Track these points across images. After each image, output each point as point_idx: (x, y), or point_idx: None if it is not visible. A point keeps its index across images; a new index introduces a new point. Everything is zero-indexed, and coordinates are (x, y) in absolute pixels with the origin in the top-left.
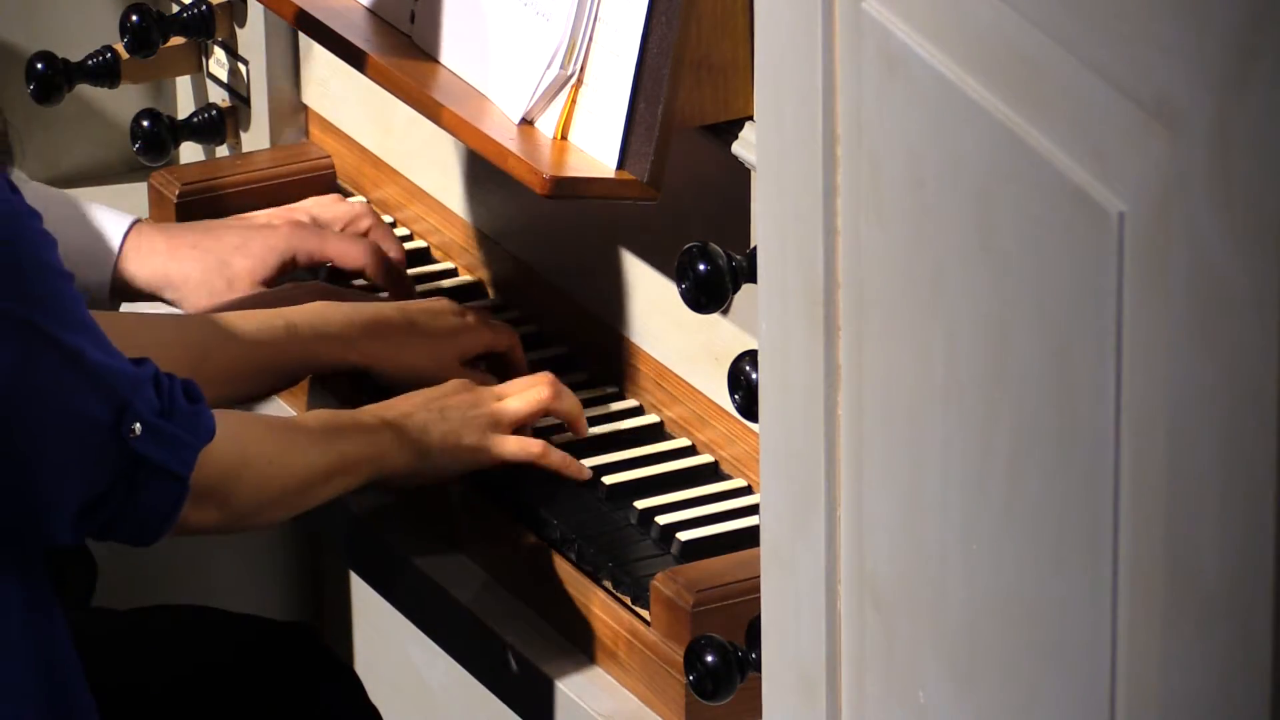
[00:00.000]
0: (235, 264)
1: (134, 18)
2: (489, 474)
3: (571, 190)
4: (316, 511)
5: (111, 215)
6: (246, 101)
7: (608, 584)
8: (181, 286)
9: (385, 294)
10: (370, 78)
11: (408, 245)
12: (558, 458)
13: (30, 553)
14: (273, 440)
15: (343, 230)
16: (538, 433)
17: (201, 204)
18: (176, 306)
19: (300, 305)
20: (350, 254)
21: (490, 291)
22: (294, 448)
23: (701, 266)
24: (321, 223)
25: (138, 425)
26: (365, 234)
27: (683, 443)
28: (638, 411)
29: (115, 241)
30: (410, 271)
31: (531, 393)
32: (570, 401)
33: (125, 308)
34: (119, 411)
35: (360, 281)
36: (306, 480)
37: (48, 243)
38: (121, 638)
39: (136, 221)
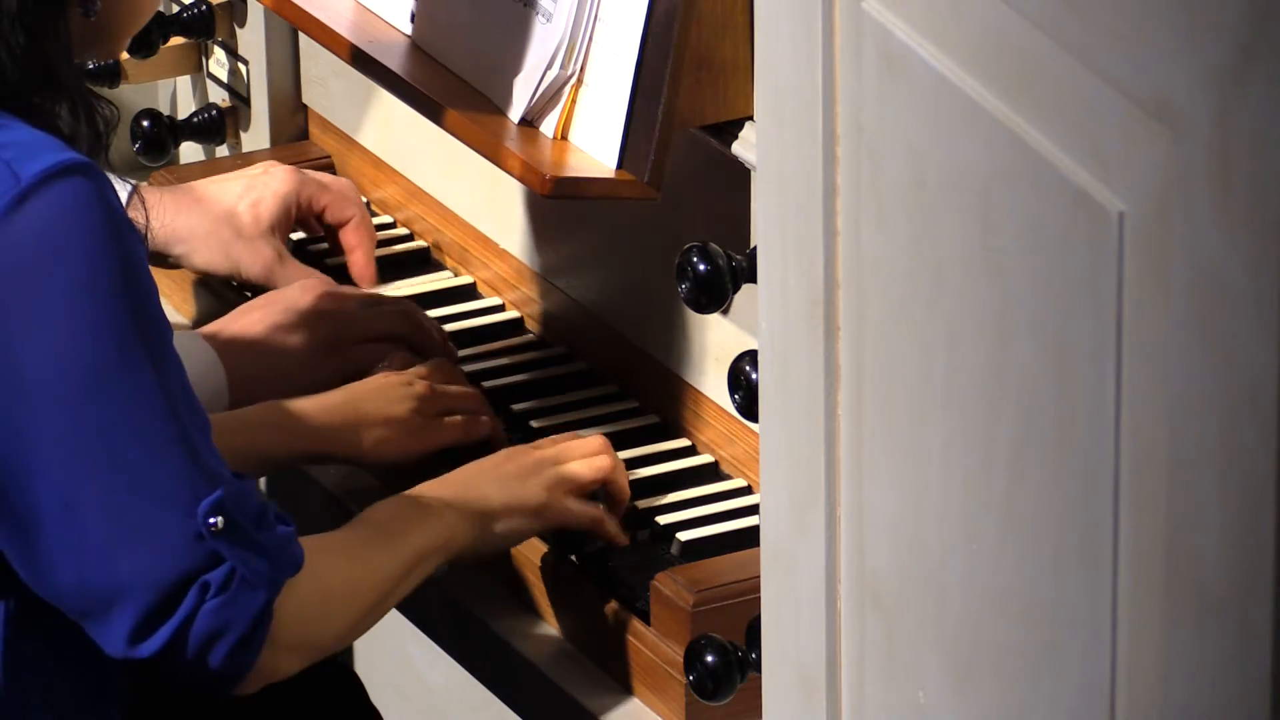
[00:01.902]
0: (241, 212)
1: None
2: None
3: (571, 190)
4: (315, 513)
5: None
6: (246, 101)
7: (607, 584)
8: (189, 240)
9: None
10: (370, 78)
11: (408, 245)
12: (613, 528)
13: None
14: (347, 558)
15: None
16: (543, 418)
17: None
18: (184, 262)
19: (258, 406)
20: (341, 208)
21: (489, 292)
22: (369, 564)
23: (701, 266)
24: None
25: (220, 520)
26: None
27: (683, 443)
28: (638, 411)
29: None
30: (409, 271)
31: (596, 461)
32: (623, 472)
33: None
34: (199, 483)
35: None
36: (385, 592)
37: (145, 268)
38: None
39: (135, 186)
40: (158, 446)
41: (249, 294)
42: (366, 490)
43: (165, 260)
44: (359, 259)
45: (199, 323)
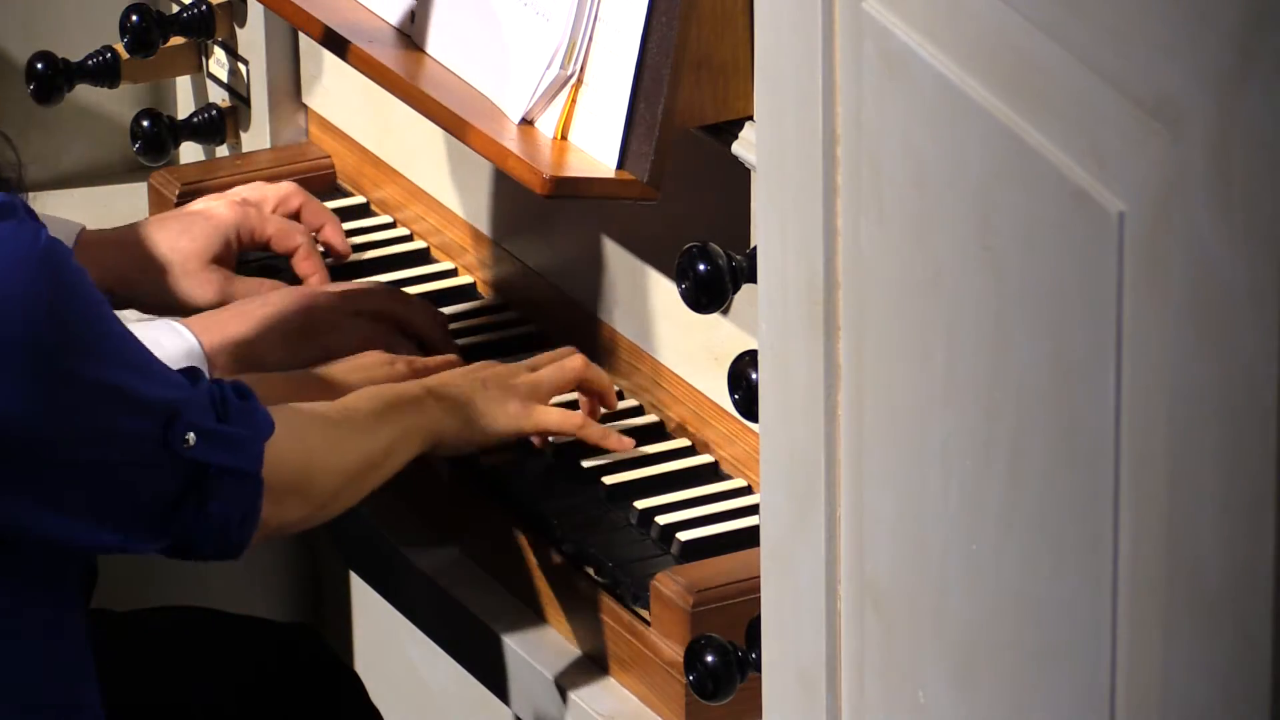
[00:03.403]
0: (182, 248)
1: (134, 18)
2: (490, 474)
3: (571, 190)
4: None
5: (58, 224)
6: (246, 101)
7: (608, 584)
8: (137, 284)
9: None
10: (370, 77)
11: (408, 245)
12: (598, 431)
13: (69, 562)
14: (330, 427)
15: (275, 210)
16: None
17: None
18: (135, 304)
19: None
20: (288, 237)
21: (489, 292)
22: (352, 431)
23: (701, 266)
24: (253, 203)
25: (191, 435)
26: (296, 212)
27: (683, 443)
28: (638, 411)
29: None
30: (408, 271)
31: (565, 363)
32: (599, 372)
33: None
34: (166, 425)
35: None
36: (371, 459)
37: (80, 276)
38: (121, 639)
39: (82, 231)
40: (114, 438)
41: None
42: (385, 507)
43: (114, 300)
44: (314, 285)
45: None
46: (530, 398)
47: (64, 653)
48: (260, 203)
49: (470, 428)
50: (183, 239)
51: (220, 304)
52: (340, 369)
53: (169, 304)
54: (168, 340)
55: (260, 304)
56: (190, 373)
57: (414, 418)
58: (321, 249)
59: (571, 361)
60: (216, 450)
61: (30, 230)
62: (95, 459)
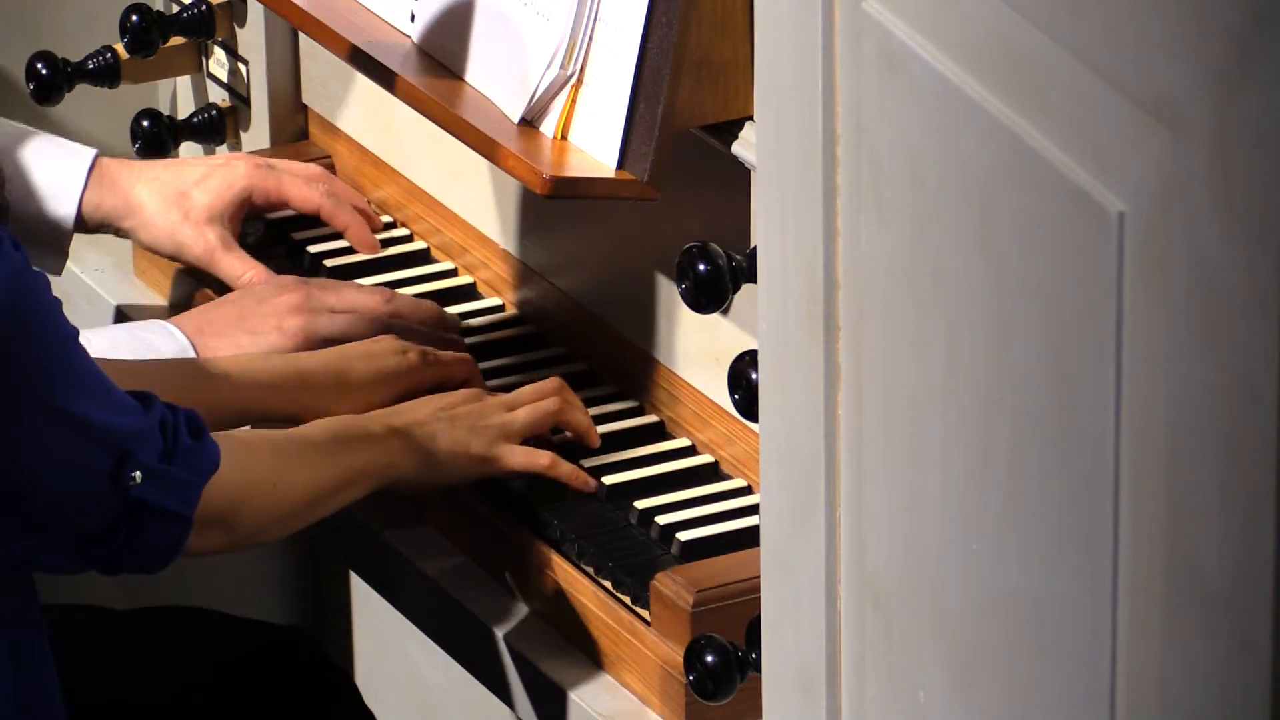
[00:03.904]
0: (193, 196)
1: (134, 18)
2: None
3: (571, 190)
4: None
5: (74, 149)
6: (246, 101)
7: (608, 584)
8: (139, 213)
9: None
10: (370, 78)
11: (408, 246)
12: (566, 470)
13: (21, 571)
14: (279, 460)
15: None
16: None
17: None
18: (133, 235)
19: (239, 355)
20: (306, 197)
21: (489, 292)
22: (301, 465)
23: (701, 266)
24: (275, 166)
25: (138, 474)
26: (330, 190)
27: (683, 443)
28: (638, 411)
29: (81, 175)
30: (410, 272)
31: (541, 404)
32: (579, 414)
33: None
34: (119, 462)
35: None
36: (314, 497)
37: (54, 304)
38: (119, 639)
39: (98, 155)
40: (66, 470)
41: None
42: (385, 509)
43: (116, 230)
44: (353, 235)
45: (177, 306)
46: (500, 439)
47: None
48: (285, 168)
49: (430, 470)
50: (196, 189)
51: (207, 266)
52: (351, 353)
53: (165, 246)
54: (160, 341)
55: (255, 301)
56: (144, 399)
57: (371, 456)
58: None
59: (548, 404)
60: (157, 490)
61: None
62: (45, 485)
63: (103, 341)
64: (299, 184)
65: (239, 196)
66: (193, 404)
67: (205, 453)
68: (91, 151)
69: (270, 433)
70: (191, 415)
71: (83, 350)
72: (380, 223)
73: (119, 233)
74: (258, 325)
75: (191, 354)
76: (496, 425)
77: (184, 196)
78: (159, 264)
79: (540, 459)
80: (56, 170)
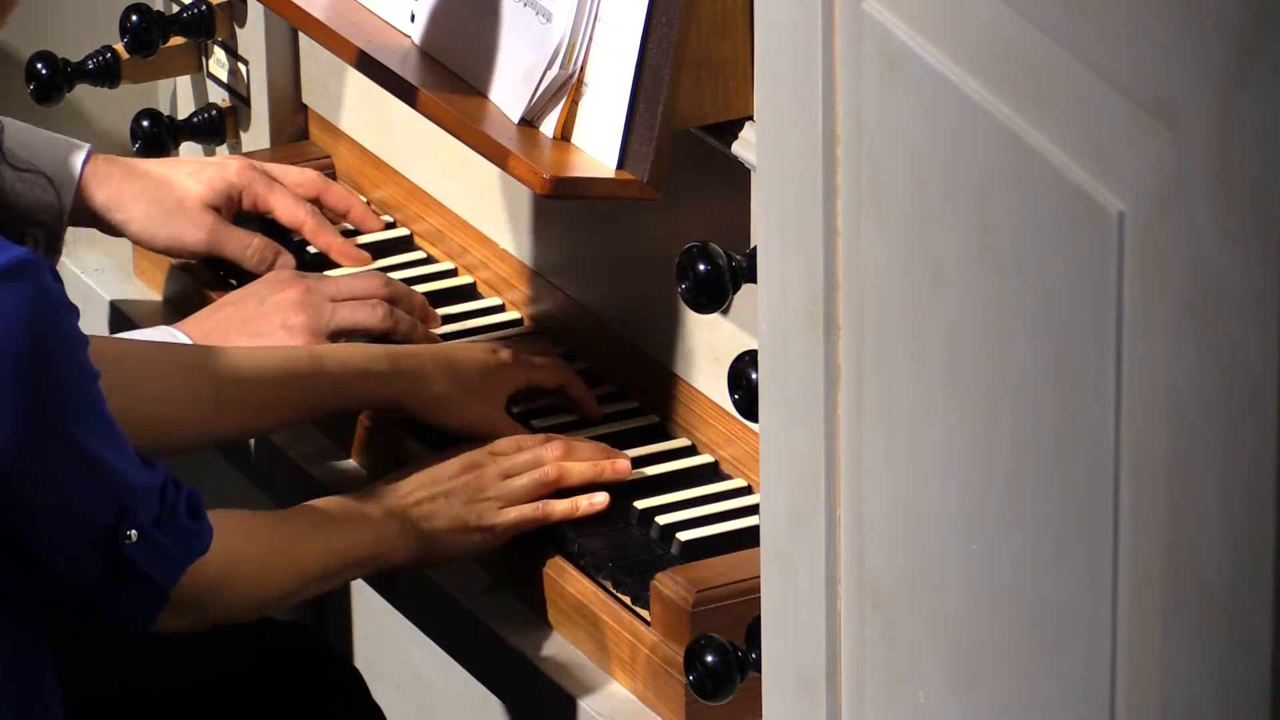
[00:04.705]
0: (185, 186)
1: (134, 18)
2: None
3: (571, 190)
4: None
5: (67, 143)
6: (246, 101)
7: (608, 584)
8: (132, 207)
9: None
10: (370, 78)
11: (408, 246)
12: (563, 508)
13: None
14: (267, 545)
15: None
16: (544, 418)
17: None
18: (125, 229)
19: (335, 345)
20: (291, 213)
21: (489, 292)
22: (289, 554)
23: (701, 266)
24: (267, 172)
25: (134, 532)
26: (315, 199)
27: (682, 443)
28: (638, 412)
29: (76, 168)
30: (410, 272)
31: (542, 474)
32: (582, 468)
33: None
34: (119, 515)
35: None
36: (299, 584)
37: (80, 340)
38: (122, 638)
39: (91, 150)
40: (73, 515)
41: (233, 281)
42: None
43: (106, 225)
44: (337, 254)
45: (172, 301)
46: (499, 504)
47: (19, 650)
48: (277, 175)
49: (430, 552)
50: (189, 180)
51: (208, 249)
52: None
53: (159, 235)
54: (166, 345)
55: (256, 302)
56: (150, 463)
57: (366, 542)
58: (351, 226)
59: (548, 472)
60: (147, 555)
61: (31, 293)
62: (46, 520)
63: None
64: (287, 197)
65: (231, 189)
66: (271, 389)
67: (199, 536)
68: (84, 147)
69: (265, 514)
70: (193, 494)
71: (103, 395)
72: (380, 223)
73: (109, 228)
74: (262, 327)
75: None
76: (495, 497)
77: (176, 186)
78: (159, 263)
79: (532, 514)
80: (53, 164)
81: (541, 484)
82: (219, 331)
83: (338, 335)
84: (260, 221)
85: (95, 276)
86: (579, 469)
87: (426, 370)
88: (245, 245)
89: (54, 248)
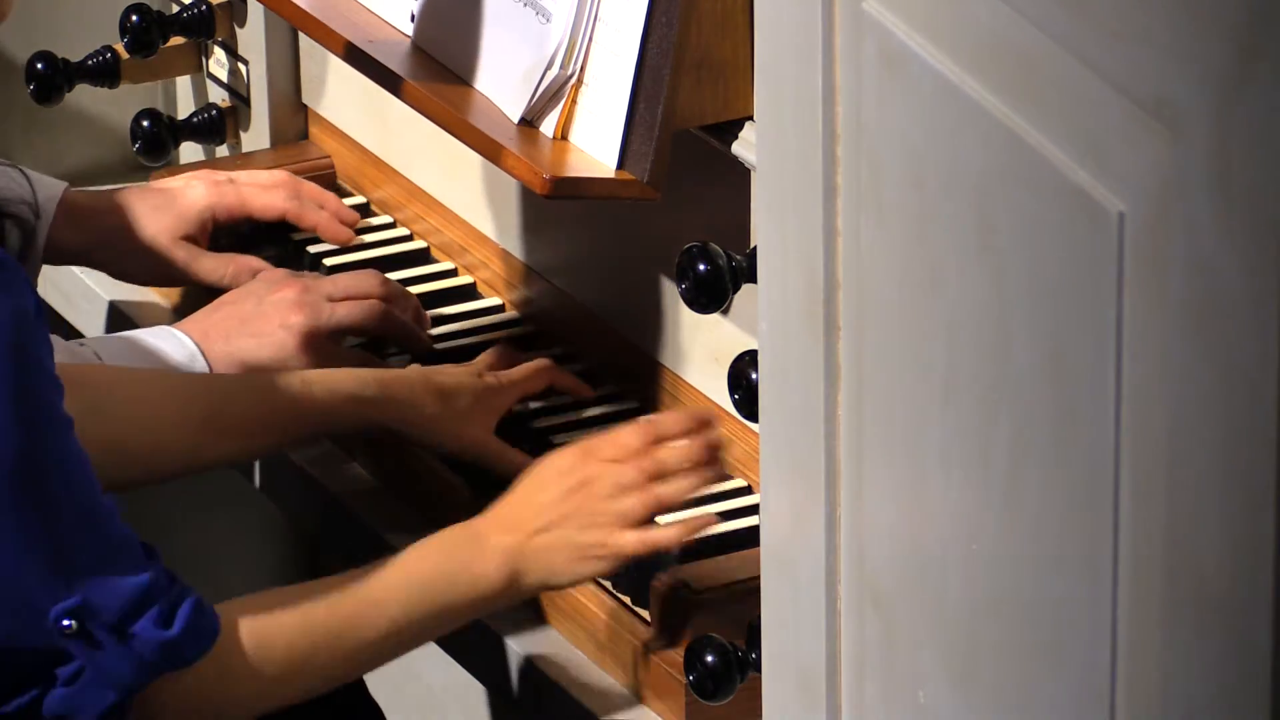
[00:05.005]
0: (152, 224)
1: (134, 18)
2: (487, 474)
3: (571, 190)
4: (313, 514)
5: (43, 182)
6: (246, 101)
7: (607, 584)
8: (104, 253)
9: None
10: (370, 77)
11: (408, 245)
12: (675, 536)
13: None
14: (299, 640)
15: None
16: (545, 417)
17: None
18: (103, 269)
19: (324, 370)
20: (267, 205)
21: (489, 292)
22: (329, 641)
23: (701, 266)
24: (235, 180)
25: (72, 623)
26: (293, 193)
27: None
28: (638, 412)
29: (50, 208)
30: (408, 271)
31: (650, 499)
32: (686, 487)
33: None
34: (48, 594)
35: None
36: (344, 669)
37: (48, 366)
38: None
39: (67, 189)
40: (14, 549)
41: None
42: (383, 509)
43: (91, 261)
44: (324, 231)
45: (171, 300)
46: (616, 526)
47: None
48: (246, 179)
49: (547, 585)
50: (154, 215)
51: (187, 280)
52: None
53: (138, 277)
54: (168, 347)
55: (255, 302)
56: (150, 551)
57: (463, 594)
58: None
59: (661, 498)
60: (95, 653)
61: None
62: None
63: (112, 347)
64: (258, 193)
65: (201, 216)
66: (263, 412)
67: (179, 650)
68: (60, 186)
69: (327, 587)
70: (181, 600)
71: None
72: (356, 217)
73: (91, 265)
74: (261, 327)
75: (200, 360)
76: (611, 520)
77: (145, 225)
78: None
79: (652, 540)
80: (27, 204)
81: (656, 508)
82: (218, 331)
83: (337, 334)
84: (255, 225)
85: (94, 276)
86: (684, 488)
87: (416, 395)
88: (221, 274)
89: (29, 242)
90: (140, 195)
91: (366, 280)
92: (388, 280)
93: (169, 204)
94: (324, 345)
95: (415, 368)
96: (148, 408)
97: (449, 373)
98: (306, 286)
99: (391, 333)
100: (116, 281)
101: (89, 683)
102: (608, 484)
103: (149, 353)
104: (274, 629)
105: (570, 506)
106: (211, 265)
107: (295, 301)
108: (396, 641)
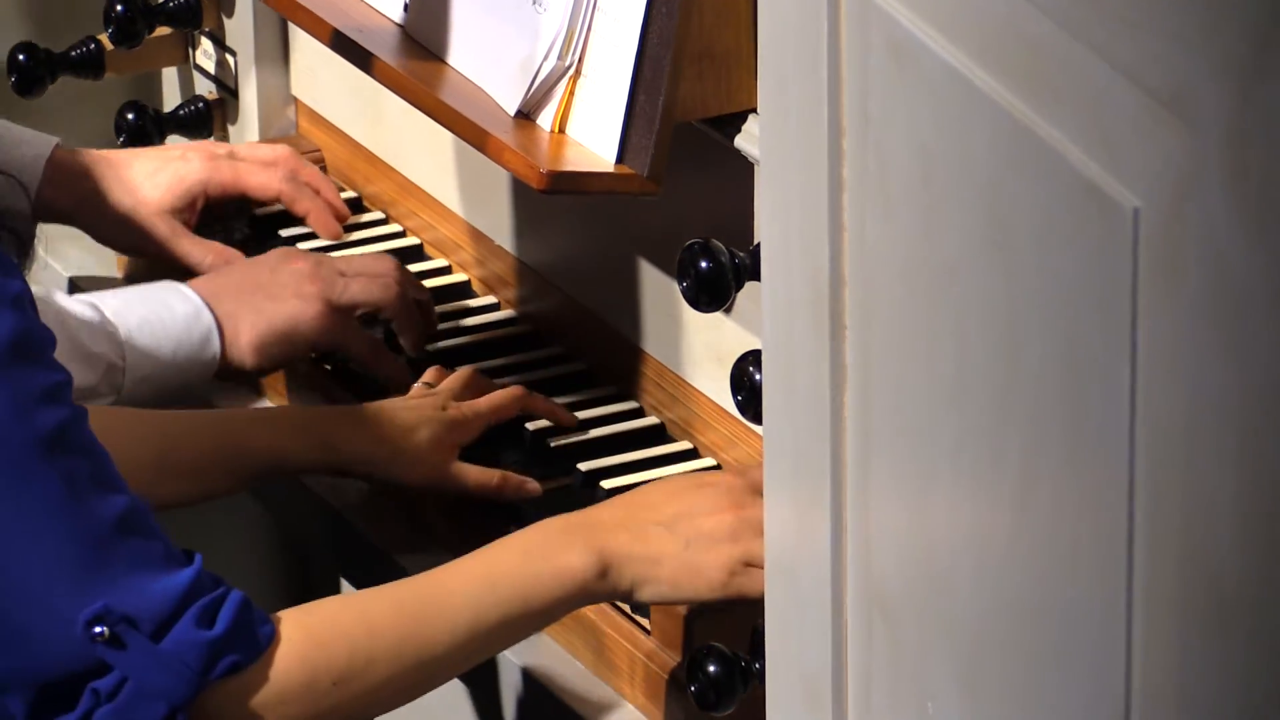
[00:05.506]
0: (142, 191)
1: (118, 7)
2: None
3: (569, 185)
4: (307, 515)
5: (34, 138)
6: (234, 94)
7: None
8: (90, 212)
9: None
10: (361, 68)
11: (401, 242)
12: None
13: None
14: (386, 632)
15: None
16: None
17: None
18: (88, 232)
19: (281, 407)
20: (263, 185)
21: (484, 291)
22: (423, 630)
23: (703, 264)
24: (238, 158)
25: (104, 629)
26: (291, 174)
27: (684, 445)
28: (638, 413)
29: (39, 167)
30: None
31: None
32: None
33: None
34: (78, 596)
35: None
36: (412, 681)
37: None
38: None
39: (57, 146)
40: (36, 548)
41: None
42: (377, 511)
43: (75, 223)
44: (314, 220)
45: None
46: (727, 560)
47: None
48: (244, 155)
49: (646, 586)
50: (145, 184)
51: (166, 256)
52: (394, 407)
53: (119, 243)
54: (174, 300)
55: (268, 270)
56: (188, 554)
57: (547, 588)
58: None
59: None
60: (134, 661)
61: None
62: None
63: (116, 301)
64: (256, 171)
65: (191, 190)
66: (215, 451)
67: (223, 655)
68: (51, 141)
69: (399, 588)
70: (227, 604)
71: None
72: (347, 213)
73: (77, 225)
74: (275, 292)
75: (206, 315)
76: (741, 553)
77: (134, 190)
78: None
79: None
80: (19, 162)
81: (755, 560)
82: (228, 291)
83: (350, 310)
84: (250, 220)
85: (79, 273)
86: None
87: (370, 431)
88: (202, 258)
89: (25, 251)
90: (132, 159)
91: (381, 262)
92: (403, 267)
93: (160, 173)
94: (336, 316)
95: (371, 404)
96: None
97: (410, 406)
98: (320, 260)
99: (402, 314)
100: (102, 284)
101: (133, 695)
102: (719, 521)
103: (156, 305)
104: (332, 630)
105: (676, 517)
106: (191, 248)
107: (310, 273)
108: (470, 642)
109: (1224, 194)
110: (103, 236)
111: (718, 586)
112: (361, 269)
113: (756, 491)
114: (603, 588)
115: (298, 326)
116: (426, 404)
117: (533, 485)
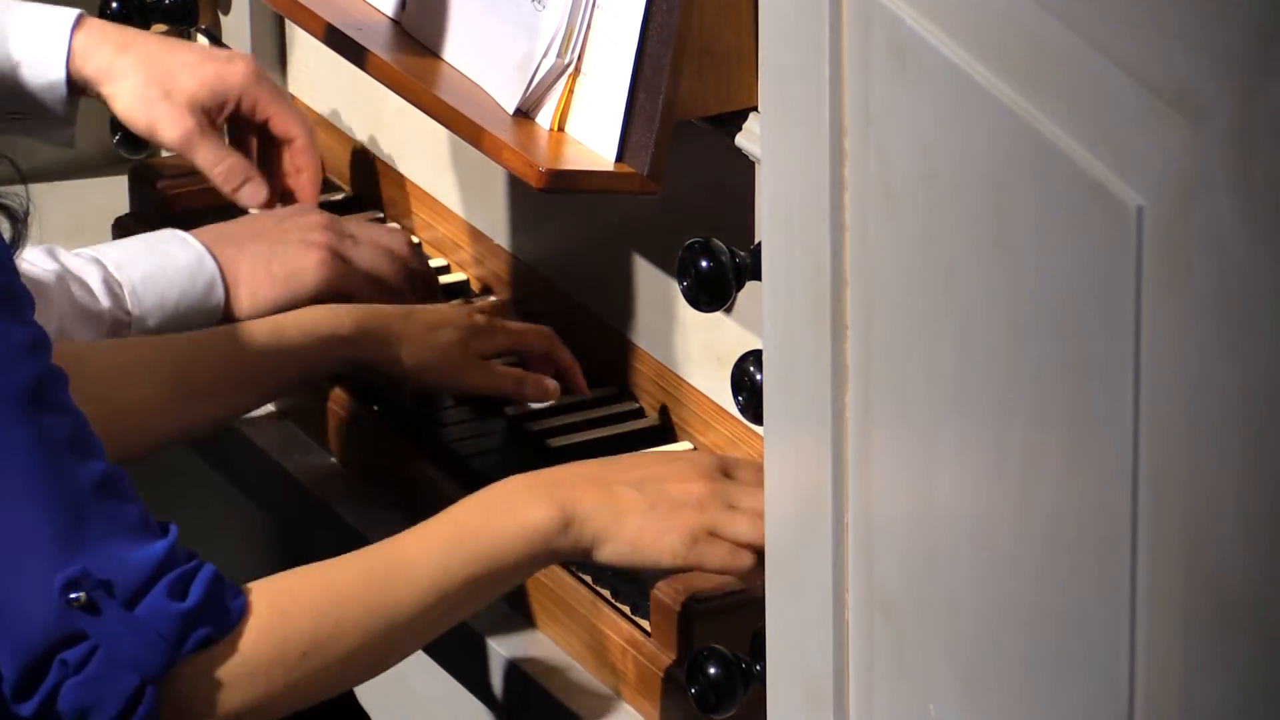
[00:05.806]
0: (180, 77)
1: (114, 4)
2: (484, 477)
3: (568, 184)
4: (305, 516)
5: (53, 12)
6: None
7: (606, 593)
8: (120, 83)
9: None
10: (358, 66)
11: None
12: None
13: None
14: (311, 621)
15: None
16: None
17: (184, 198)
18: (109, 103)
19: (294, 311)
20: (286, 125)
21: (484, 289)
22: (361, 615)
23: (704, 263)
24: (268, 80)
25: (80, 594)
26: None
27: (684, 446)
28: (638, 414)
29: (64, 37)
30: None
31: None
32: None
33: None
34: (52, 561)
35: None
36: (383, 648)
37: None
38: None
39: (81, 15)
40: (13, 507)
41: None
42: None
43: (97, 95)
44: (305, 181)
45: None
46: (693, 524)
47: None
48: (284, 93)
49: (608, 540)
50: (184, 73)
51: (179, 148)
52: (420, 310)
53: (140, 121)
54: (175, 248)
55: (275, 220)
56: (164, 525)
57: (512, 548)
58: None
59: (751, 524)
60: (108, 628)
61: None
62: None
63: (119, 254)
64: (286, 109)
65: (227, 94)
66: (236, 366)
67: (198, 627)
68: (72, 14)
69: (363, 557)
70: (201, 576)
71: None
72: (315, 195)
73: (99, 97)
74: (278, 236)
75: (209, 261)
76: (726, 530)
77: (170, 75)
78: None
79: (746, 560)
80: (39, 41)
81: (726, 530)
82: (230, 239)
83: (354, 273)
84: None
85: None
86: (752, 529)
87: (394, 331)
88: (217, 161)
89: (19, 232)
90: (176, 46)
91: (392, 236)
92: (416, 248)
93: (200, 66)
94: (340, 267)
95: (397, 305)
96: (120, 380)
97: (436, 308)
98: (333, 218)
99: (405, 288)
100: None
101: (105, 664)
102: (687, 489)
103: (158, 255)
104: (298, 600)
105: (643, 479)
106: (208, 151)
107: (320, 224)
108: (438, 603)
109: (1228, 192)
110: (124, 110)
111: (680, 551)
112: (372, 237)
113: (726, 472)
114: (565, 543)
115: (300, 272)
116: (452, 309)
117: (552, 384)
